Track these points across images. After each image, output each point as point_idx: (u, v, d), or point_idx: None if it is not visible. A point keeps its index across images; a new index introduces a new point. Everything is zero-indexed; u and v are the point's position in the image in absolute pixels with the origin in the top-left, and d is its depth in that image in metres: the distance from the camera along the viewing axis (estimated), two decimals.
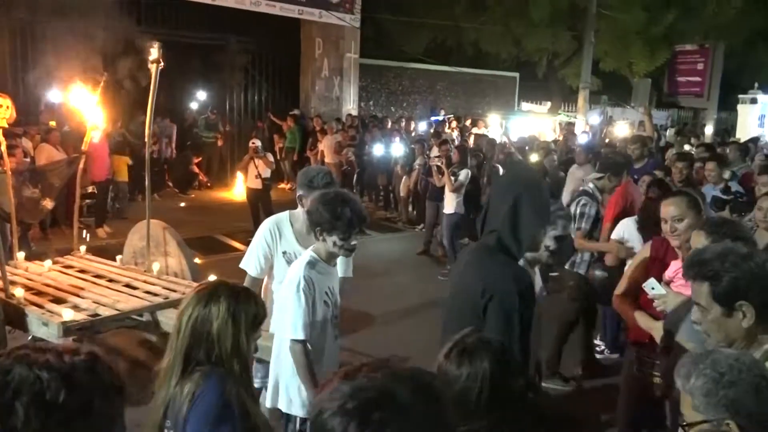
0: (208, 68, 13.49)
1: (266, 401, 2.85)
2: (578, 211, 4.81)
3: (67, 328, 3.73)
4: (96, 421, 1.09)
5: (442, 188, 7.95)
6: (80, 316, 3.89)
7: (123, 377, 1.19)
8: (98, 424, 1.11)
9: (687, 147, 10.89)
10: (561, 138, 13.40)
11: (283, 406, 2.82)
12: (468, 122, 15.74)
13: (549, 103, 20.38)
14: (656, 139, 14.03)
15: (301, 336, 2.63)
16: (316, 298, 2.70)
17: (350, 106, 15.41)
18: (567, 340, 5.00)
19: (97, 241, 8.31)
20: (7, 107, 4.41)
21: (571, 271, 4.96)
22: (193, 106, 13.90)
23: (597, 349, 5.40)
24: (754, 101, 17.66)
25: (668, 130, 17.29)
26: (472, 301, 2.34)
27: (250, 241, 10.30)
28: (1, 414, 1.03)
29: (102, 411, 1.10)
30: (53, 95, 5.00)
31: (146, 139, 4.93)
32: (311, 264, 2.72)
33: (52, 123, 9.28)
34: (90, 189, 9.60)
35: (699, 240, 2.56)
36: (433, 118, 15.34)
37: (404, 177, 10.56)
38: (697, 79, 18.42)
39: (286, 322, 2.68)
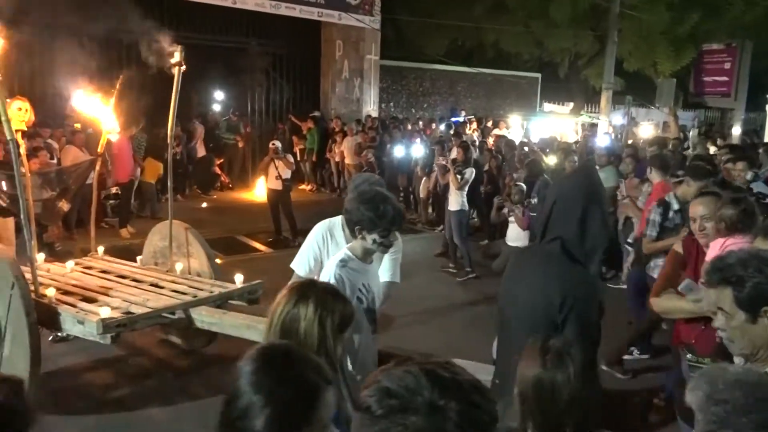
0: (230, 70, 13.62)
1: None
2: (649, 218, 4.79)
3: (106, 326, 3.79)
4: None
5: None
6: (116, 314, 3.95)
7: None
8: None
9: (713, 149, 10.68)
10: (581, 139, 13.26)
11: None
12: (489, 123, 15.66)
13: (571, 104, 20.17)
14: (681, 139, 13.78)
15: None
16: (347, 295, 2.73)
17: (371, 107, 15.44)
18: (645, 338, 5.27)
19: (121, 241, 8.45)
20: (26, 110, 4.50)
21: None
22: (215, 108, 14.05)
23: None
24: None
25: (691, 131, 16.95)
26: (548, 312, 2.29)
27: (270, 241, 10.29)
28: None
29: None
30: (78, 98, 5.10)
31: (168, 141, 4.99)
32: (343, 262, 2.75)
33: (77, 125, 9.45)
34: (114, 190, 9.75)
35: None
36: (453, 119, 15.28)
37: (424, 178, 10.56)
38: (724, 78, 18.05)
39: None
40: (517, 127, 16.06)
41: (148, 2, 6.19)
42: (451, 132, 12.74)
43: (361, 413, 1.04)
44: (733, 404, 1.38)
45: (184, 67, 4.58)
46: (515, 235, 7.83)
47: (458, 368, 1.08)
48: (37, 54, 10.34)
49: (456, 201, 7.85)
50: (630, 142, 13.06)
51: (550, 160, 8.96)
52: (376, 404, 1.01)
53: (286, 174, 9.01)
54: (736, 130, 17.47)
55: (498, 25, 16.54)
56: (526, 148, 10.85)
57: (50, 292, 4.21)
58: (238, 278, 4.59)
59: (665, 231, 4.61)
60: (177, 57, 4.58)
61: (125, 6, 5.70)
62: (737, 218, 2.80)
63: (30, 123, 4.60)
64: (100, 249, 5.50)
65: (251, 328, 3.90)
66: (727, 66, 17.94)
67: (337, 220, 3.35)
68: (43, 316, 4.00)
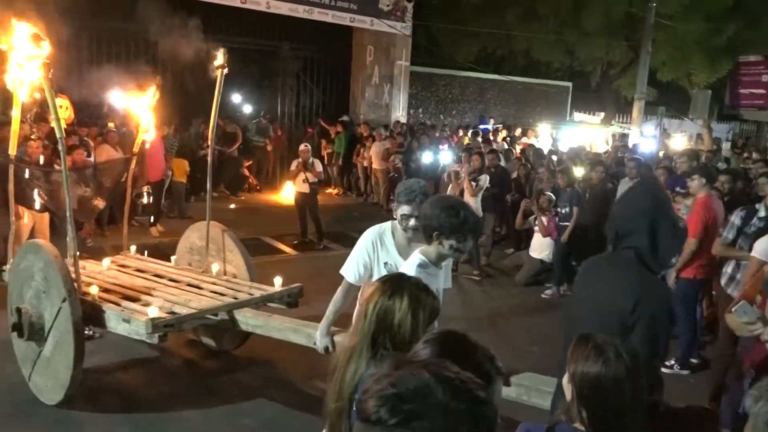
0: (262, 74, 13.74)
1: None
2: (729, 219, 4.83)
3: (155, 326, 3.82)
4: None
5: (491, 197, 8.01)
6: (163, 314, 3.97)
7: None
8: None
9: (747, 163, 10.41)
10: (611, 149, 13.06)
11: None
12: (518, 132, 15.54)
13: (602, 114, 19.90)
14: (714, 151, 13.48)
15: None
16: None
17: (399, 113, 15.44)
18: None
19: (150, 239, 8.57)
20: (66, 108, 4.57)
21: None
22: (246, 110, 14.19)
23: (666, 363, 5.23)
24: None
25: (724, 144, 16.58)
26: (620, 317, 2.30)
27: (297, 244, 10.32)
28: None
29: None
30: (115, 97, 5.20)
31: (209, 141, 5.03)
32: (422, 266, 2.80)
33: (111, 124, 9.63)
34: (145, 189, 9.91)
35: None
36: (482, 127, 15.20)
37: (451, 185, 10.51)
38: (762, 91, 17.68)
39: None
40: (546, 136, 15.90)
41: (185, 5, 6.28)
42: (479, 139, 12.67)
43: (369, 426, 0.97)
44: None
45: (226, 70, 4.62)
46: (539, 246, 7.75)
47: (455, 366, 1.06)
48: (75, 52, 10.58)
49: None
50: (661, 153, 12.80)
51: (578, 170, 8.85)
52: (389, 413, 0.95)
53: (314, 178, 9.05)
54: None
55: (529, 32, 16.44)
56: (554, 157, 10.73)
57: (93, 290, 4.26)
58: (277, 281, 4.60)
59: (745, 236, 4.64)
60: (220, 59, 4.63)
61: (163, 8, 5.81)
62: None
63: (70, 120, 4.69)
64: (132, 248, 5.58)
65: (297, 332, 3.88)
66: (765, 78, 17.56)
67: (387, 226, 3.36)
68: (85, 315, 4.03)
